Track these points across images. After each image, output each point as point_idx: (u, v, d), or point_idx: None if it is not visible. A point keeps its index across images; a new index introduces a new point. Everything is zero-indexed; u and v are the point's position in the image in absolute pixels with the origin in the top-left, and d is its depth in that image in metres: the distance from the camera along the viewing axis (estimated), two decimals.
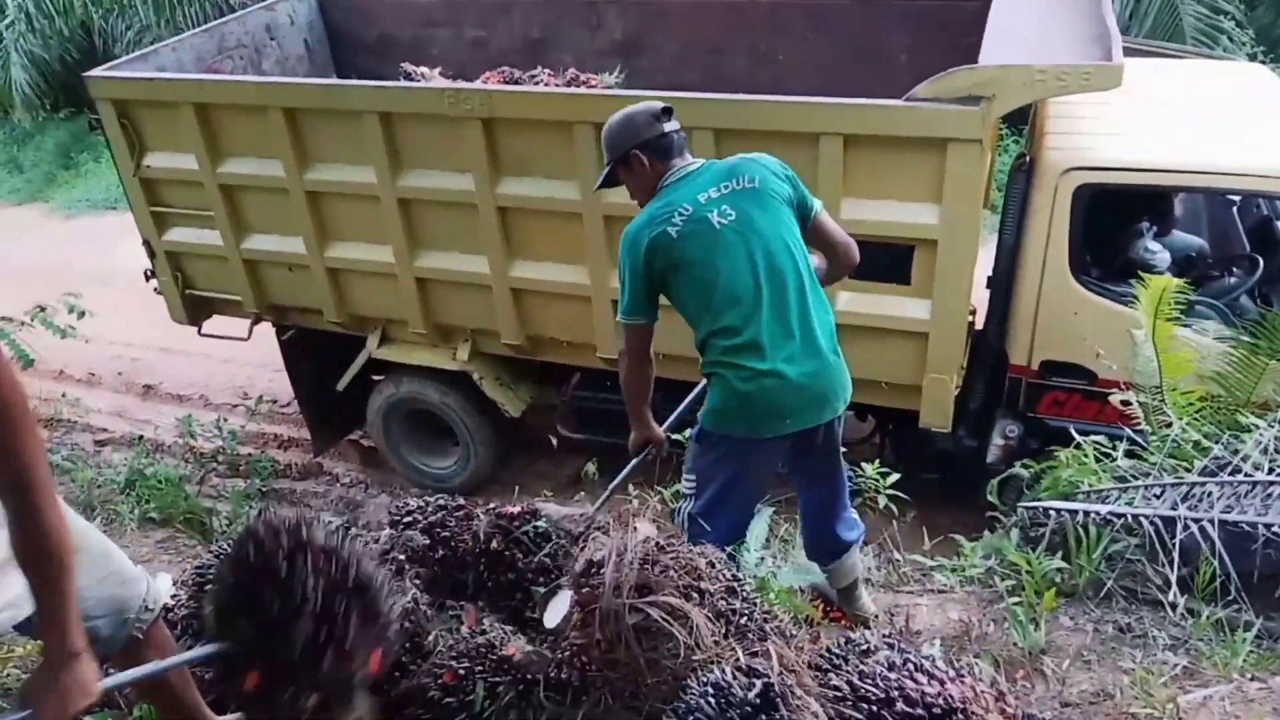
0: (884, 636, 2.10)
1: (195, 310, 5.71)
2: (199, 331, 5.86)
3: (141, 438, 6.53)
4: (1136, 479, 3.17)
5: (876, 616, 3.15)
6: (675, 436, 3.20)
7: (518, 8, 6.07)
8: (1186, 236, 4.42)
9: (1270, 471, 2.93)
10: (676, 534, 2.29)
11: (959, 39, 4.03)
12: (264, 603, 1.71)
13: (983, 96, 3.61)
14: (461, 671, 2.13)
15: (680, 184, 2.73)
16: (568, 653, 2.06)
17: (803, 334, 2.68)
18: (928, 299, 4.03)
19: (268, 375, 6.90)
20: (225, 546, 2.65)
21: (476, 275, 4.77)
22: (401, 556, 2.46)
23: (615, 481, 3.14)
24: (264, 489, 5.98)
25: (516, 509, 2.57)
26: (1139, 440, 3.43)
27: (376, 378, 5.61)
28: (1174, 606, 2.76)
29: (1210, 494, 2.92)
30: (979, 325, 4.49)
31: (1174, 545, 2.80)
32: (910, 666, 1.87)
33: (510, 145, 4.40)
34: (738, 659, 1.92)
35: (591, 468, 4.26)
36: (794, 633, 2.21)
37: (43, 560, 1.58)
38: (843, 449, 2.98)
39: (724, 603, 2.07)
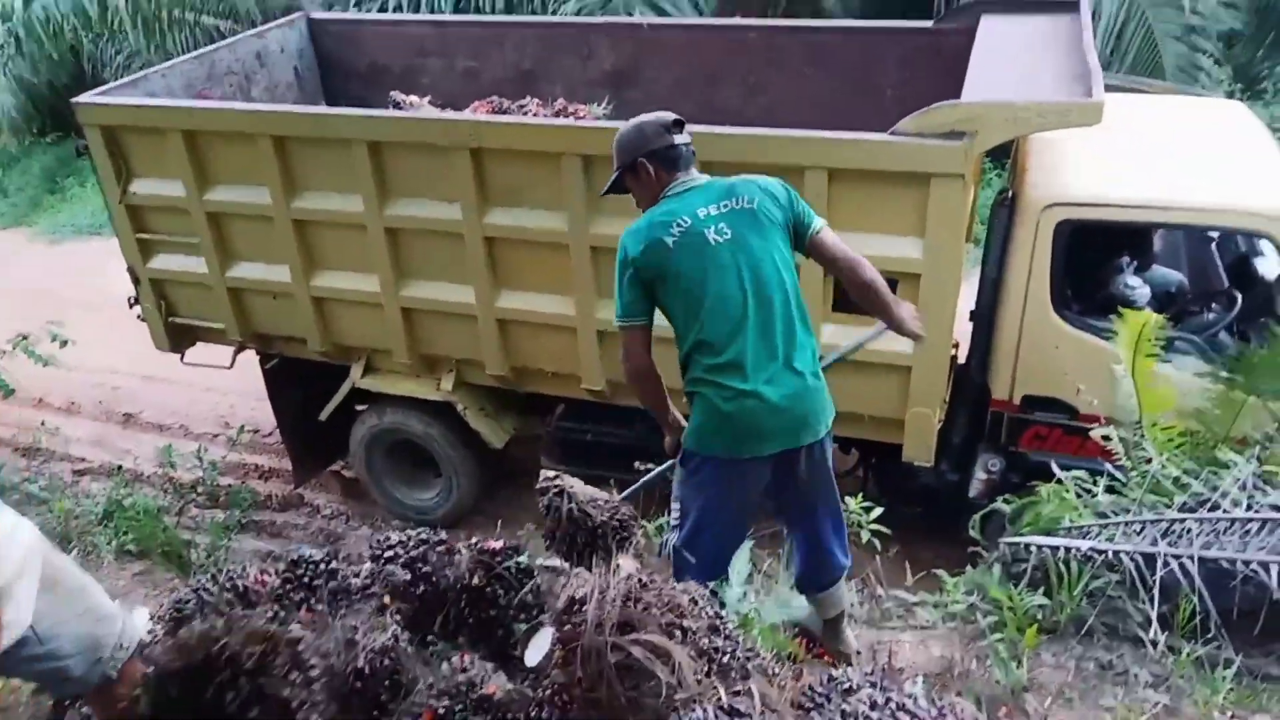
0: (867, 674, 2.08)
1: (178, 338, 5.67)
2: (182, 359, 5.82)
3: (121, 467, 6.47)
4: (1117, 515, 3.18)
5: (859, 653, 3.14)
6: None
7: (509, 38, 6.11)
8: (1166, 271, 4.47)
9: (1249, 508, 2.95)
10: (659, 569, 2.28)
11: (952, 73, 4.09)
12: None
13: (965, 132, 3.65)
14: (441, 710, 2.10)
15: (683, 196, 2.78)
16: (549, 691, 2.04)
17: (785, 357, 2.71)
18: None
19: (250, 404, 6.85)
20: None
21: (462, 305, 4.77)
22: (382, 591, 2.43)
23: (648, 476, 3.12)
24: (243, 520, 5.92)
25: (499, 544, 2.55)
26: (1119, 476, 3.44)
27: (360, 408, 5.59)
28: (1155, 644, 2.77)
29: (1190, 530, 2.93)
30: (961, 359, 4.52)
31: (1154, 582, 2.82)
32: (893, 705, 1.86)
33: (498, 175, 4.42)
34: (720, 698, 1.91)
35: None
36: (776, 670, 2.20)
37: None
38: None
39: (706, 640, 2.06)
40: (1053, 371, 4.16)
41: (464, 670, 2.21)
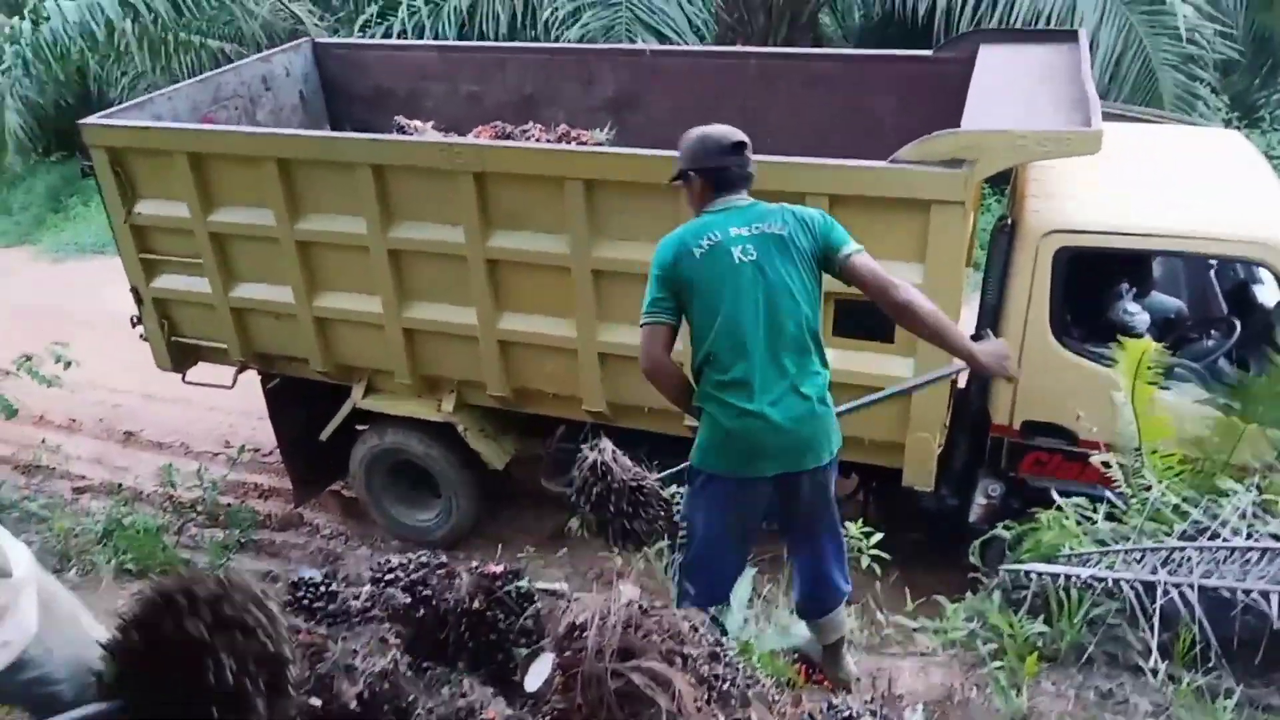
0: (866, 702, 2.09)
1: (180, 357, 5.68)
2: (183, 379, 5.83)
3: (121, 486, 6.46)
4: (1117, 542, 3.18)
5: (859, 680, 3.13)
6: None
7: (512, 63, 6.16)
8: (1165, 298, 4.49)
9: (1249, 537, 2.95)
10: (660, 595, 2.29)
11: (951, 101, 4.13)
12: (168, 675, 1.64)
13: (966, 160, 3.68)
14: None
15: (721, 213, 2.84)
16: (549, 717, 2.04)
17: (793, 381, 2.75)
18: (911, 357, 4.06)
19: (250, 423, 6.85)
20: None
21: (464, 327, 4.78)
22: (382, 614, 2.43)
23: (681, 466, 3.14)
24: (243, 540, 5.91)
25: (499, 568, 2.55)
26: (1119, 503, 3.45)
27: (360, 428, 5.59)
28: (1155, 673, 2.76)
29: (1190, 559, 2.93)
30: (961, 384, 4.53)
31: (1154, 610, 2.81)
32: None
33: (501, 199, 4.45)
34: None
35: (575, 522, 4.23)
36: (777, 697, 2.20)
37: None
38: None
39: (707, 668, 2.06)
40: (1052, 397, 4.17)
41: (464, 695, 2.20)
